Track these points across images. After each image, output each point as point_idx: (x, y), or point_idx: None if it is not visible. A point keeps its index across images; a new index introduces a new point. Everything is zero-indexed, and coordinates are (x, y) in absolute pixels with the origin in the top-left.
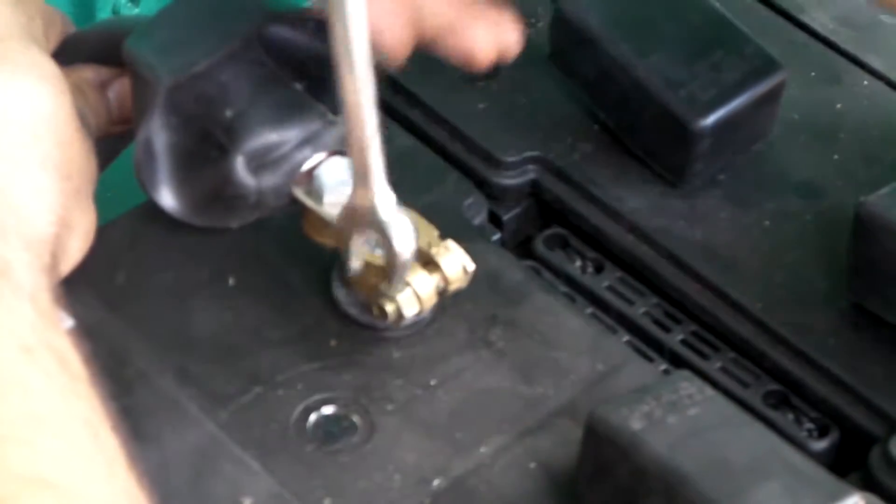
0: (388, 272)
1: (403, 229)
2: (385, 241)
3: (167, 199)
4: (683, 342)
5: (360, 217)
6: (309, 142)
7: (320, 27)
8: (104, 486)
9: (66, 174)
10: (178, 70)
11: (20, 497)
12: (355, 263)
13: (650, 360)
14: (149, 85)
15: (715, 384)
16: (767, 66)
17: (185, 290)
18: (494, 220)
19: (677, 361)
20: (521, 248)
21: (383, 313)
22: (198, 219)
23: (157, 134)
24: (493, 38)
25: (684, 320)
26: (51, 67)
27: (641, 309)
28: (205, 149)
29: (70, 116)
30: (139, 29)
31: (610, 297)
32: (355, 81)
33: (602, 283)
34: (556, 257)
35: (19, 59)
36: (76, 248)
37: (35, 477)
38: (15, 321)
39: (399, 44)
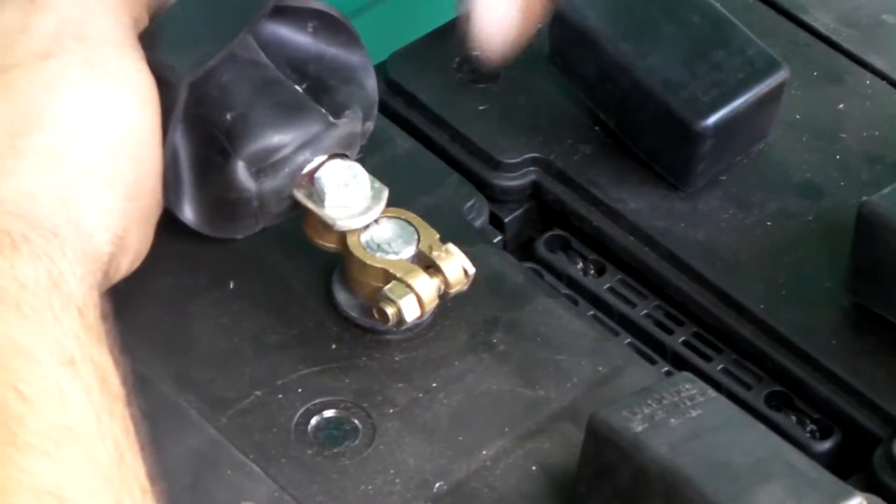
0: None
1: None
2: None
3: (188, 212)
4: (685, 343)
5: None
6: (310, 144)
7: (320, 27)
8: None
9: (134, 195)
10: (195, 65)
11: None
12: None
13: (652, 361)
14: (168, 85)
15: (717, 386)
16: (769, 65)
17: (185, 294)
18: (495, 222)
19: (679, 363)
20: (523, 250)
21: (384, 316)
22: (207, 228)
23: (180, 141)
24: None
25: (686, 322)
26: (142, 77)
27: (643, 311)
28: (211, 154)
29: (152, 131)
30: (147, 31)
31: (611, 299)
32: None
33: (603, 285)
34: (558, 259)
35: (111, 66)
36: (123, 269)
37: (50, 491)
38: (61, 333)
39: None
